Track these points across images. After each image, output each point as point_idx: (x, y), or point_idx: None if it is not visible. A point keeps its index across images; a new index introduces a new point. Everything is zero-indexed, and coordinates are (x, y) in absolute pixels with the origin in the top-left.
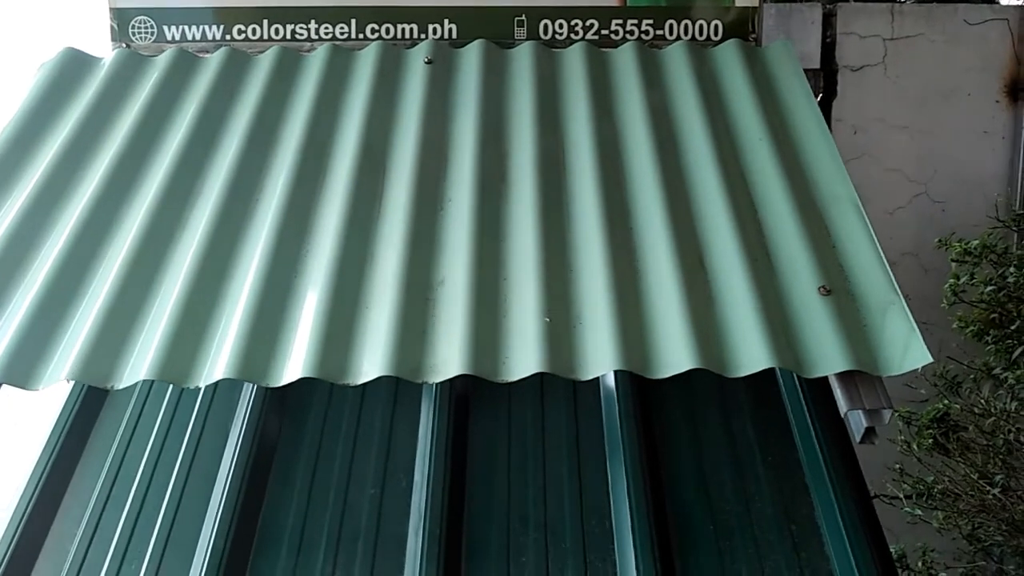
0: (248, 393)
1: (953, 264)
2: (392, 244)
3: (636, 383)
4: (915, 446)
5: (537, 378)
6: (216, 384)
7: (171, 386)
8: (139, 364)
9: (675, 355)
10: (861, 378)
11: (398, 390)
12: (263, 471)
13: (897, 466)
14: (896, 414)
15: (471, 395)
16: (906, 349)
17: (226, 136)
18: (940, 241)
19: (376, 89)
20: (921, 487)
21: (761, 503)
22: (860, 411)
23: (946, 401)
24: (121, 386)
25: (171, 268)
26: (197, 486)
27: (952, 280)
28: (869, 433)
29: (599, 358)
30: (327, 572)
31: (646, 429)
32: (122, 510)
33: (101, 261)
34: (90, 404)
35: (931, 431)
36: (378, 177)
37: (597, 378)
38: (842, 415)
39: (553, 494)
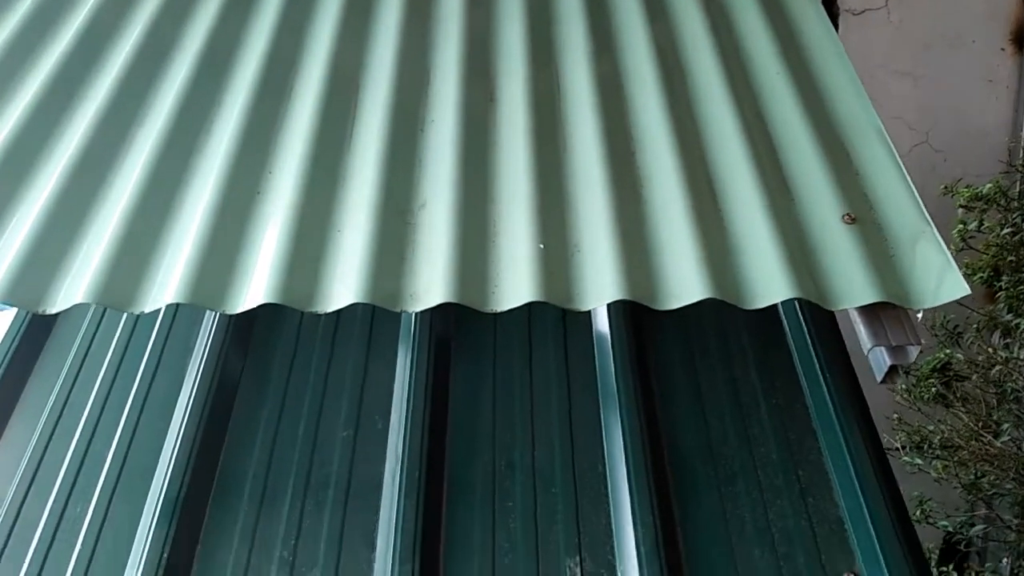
0: (208, 325)
1: (960, 211)
2: (367, 164)
3: (632, 323)
4: (915, 396)
5: (524, 318)
6: (174, 315)
7: (124, 317)
8: (75, 286)
9: (684, 284)
10: (886, 313)
11: (373, 328)
12: (223, 411)
13: (895, 416)
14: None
15: (452, 338)
16: (940, 280)
17: (180, 50)
18: (945, 188)
19: (347, 5)
20: (919, 437)
21: (766, 448)
22: (884, 348)
23: (947, 351)
24: (54, 310)
25: (115, 184)
26: (150, 426)
27: (960, 226)
28: (892, 373)
29: (600, 286)
30: (294, 520)
31: (642, 372)
32: (67, 450)
33: (36, 175)
34: (35, 332)
35: (932, 381)
36: (350, 96)
37: (589, 319)
38: (865, 352)
39: (542, 438)
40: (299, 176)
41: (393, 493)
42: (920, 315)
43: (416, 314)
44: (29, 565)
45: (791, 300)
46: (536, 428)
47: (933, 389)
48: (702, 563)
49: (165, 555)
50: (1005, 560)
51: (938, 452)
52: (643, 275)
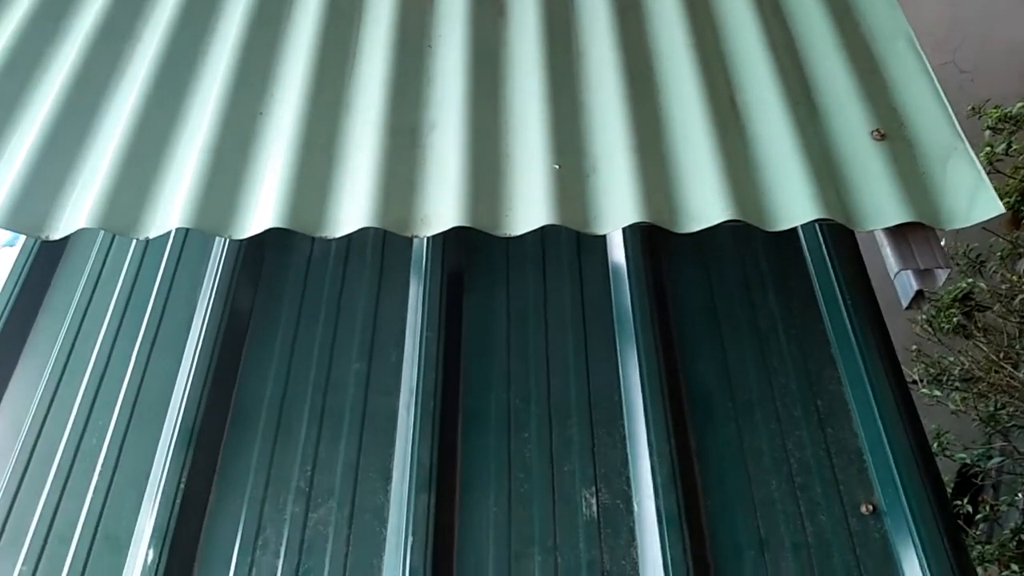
0: (217, 257)
1: (987, 133)
2: (373, 84)
3: (648, 251)
4: (935, 327)
5: (537, 249)
6: (182, 246)
7: (132, 247)
8: (78, 210)
9: (706, 206)
10: (915, 235)
11: (384, 261)
12: (236, 342)
13: (914, 348)
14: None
15: (464, 270)
16: (973, 198)
17: None
18: (972, 109)
19: None
20: (936, 370)
21: (784, 377)
22: (911, 272)
23: (969, 280)
24: (58, 235)
25: (113, 106)
26: (163, 358)
27: (987, 149)
28: (918, 298)
29: (617, 209)
30: (309, 451)
31: (659, 302)
32: (80, 382)
33: (32, 97)
34: (42, 266)
35: (953, 311)
36: (352, 11)
37: (604, 249)
38: (892, 276)
39: (557, 369)
40: (302, 97)
41: (408, 425)
42: (944, 243)
43: (427, 246)
44: (47, 497)
45: (813, 224)
46: (551, 359)
47: (955, 319)
48: (718, 493)
49: (182, 484)
50: (1021, 495)
51: (957, 384)
52: (662, 197)
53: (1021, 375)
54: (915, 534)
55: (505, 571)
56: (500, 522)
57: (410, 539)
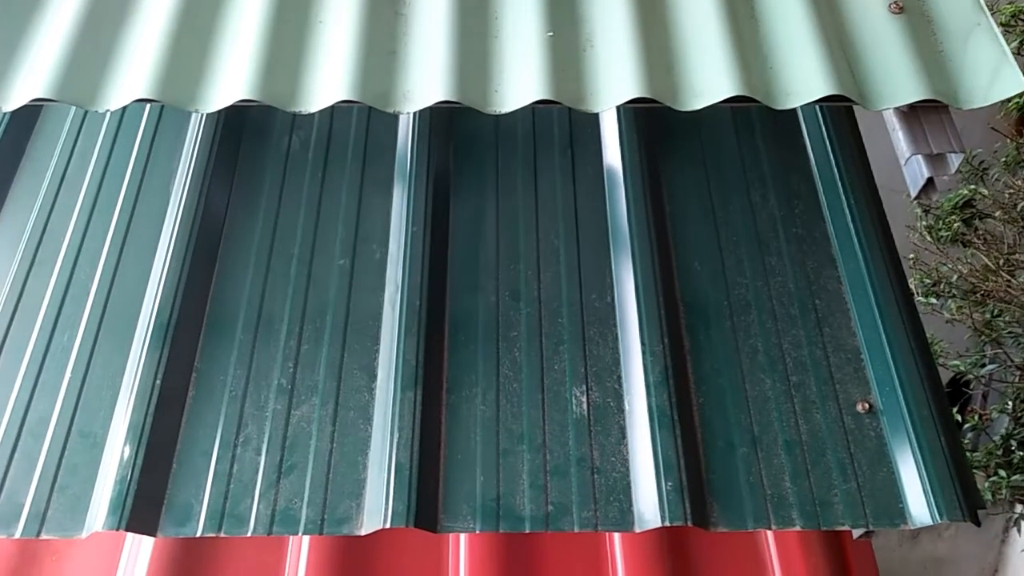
0: (192, 143)
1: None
2: None
3: (644, 146)
4: (934, 235)
5: (529, 147)
6: (154, 132)
7: (103, 131)
8: (32, 80)
9: (710, 80)
10: (928, 117)
11: (366, 157)
12: (212, 235)
13: (911, 257)
14: (914, 201)
15: (451, 170)
16: (995, 75)
17: None
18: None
19: None
20: (930, 280)
21: (782, 277)
22: (922, 157)
23: (971, 187)
24: (8, 107)
25: None
26: (135, 252)
27: None
28: (928, 187)
29: (615, 83)
30: (291, 348)
31: (654, 198)
32: (49, 277)
33: None
34: (5, 155)
35: (953, 218)
36: None
37: (599, 145)
38: (902, 162)
39: (548, 268)
40: None
41: (393, 322)
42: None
43: (412, 144)
44: (18, 393)
45: (817, 120)
46: (542, 258)
47: (955, 225)
48: (712, 391)
49: (158, 381)
50: (1011, 402)
51: (953, 291)
52: (663, 70)
53: (1019, 282)
54: (912, 435)
55: (493, 468)
56: (488, 419)
57: (396, 436)
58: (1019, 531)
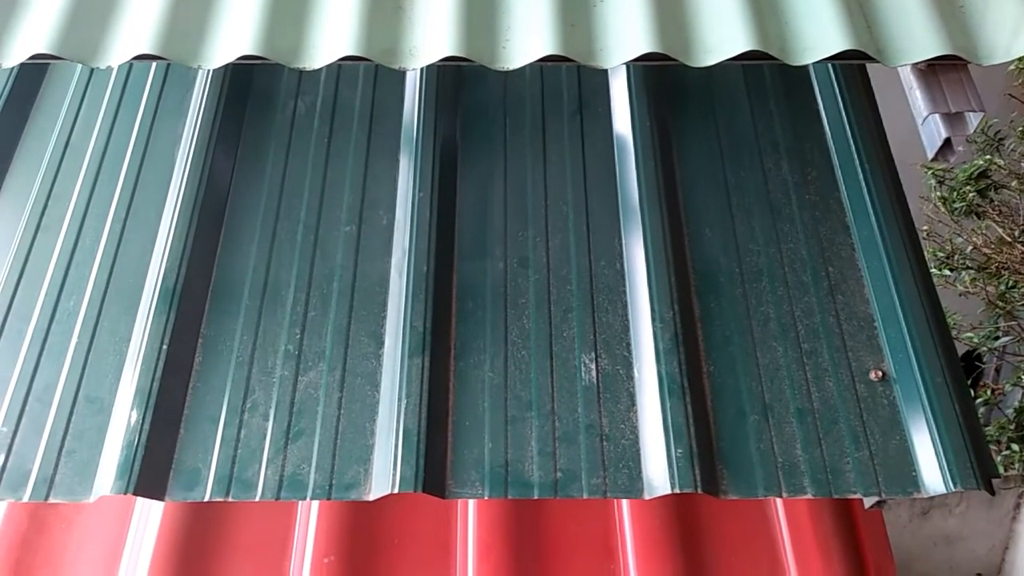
0: (197, 103)
1: None
2: None
3: (655, 115)
4: (948, 206)
5: (538, 112)
6: (159, 95)
7: (108, 93)
8: (31, 35)
9: (723, 35)
10: (947, 75)
11: (373, 115)
12: (218, 200)
13: (924, 229)
14: (929, 172)
15: (459, 137)
16: (1017, 30)
17: None
18: None
19: None
20: (943, 253)
21: (795, 243)
22: (940, 117)
23: (987, 157)
24: (8, 63)
25: None
26: (141, 218)
27: None
28: (945, 149)
29: (627, 37)
30: (299, 310)
31: (665, 168)
32: (56, 238)
33: None
34: (10, 115)
35: (968, 189)
36: None
37: (608, 111)
38: (919, 122)
39: (557, 234)
40: None
41: (401, 287)
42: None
43: (419, 108)
44: (25, 358)
45: (829, 78)
46: (550, 224)
47: (970, 196)
48: (722, 359)
49: (165, 346)
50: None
51: (967, 263)
52: (675, 25)
53: None
54: (926, 402)
55: (501, 434)
56: (496, 386)
57: (403, 402)
58: None
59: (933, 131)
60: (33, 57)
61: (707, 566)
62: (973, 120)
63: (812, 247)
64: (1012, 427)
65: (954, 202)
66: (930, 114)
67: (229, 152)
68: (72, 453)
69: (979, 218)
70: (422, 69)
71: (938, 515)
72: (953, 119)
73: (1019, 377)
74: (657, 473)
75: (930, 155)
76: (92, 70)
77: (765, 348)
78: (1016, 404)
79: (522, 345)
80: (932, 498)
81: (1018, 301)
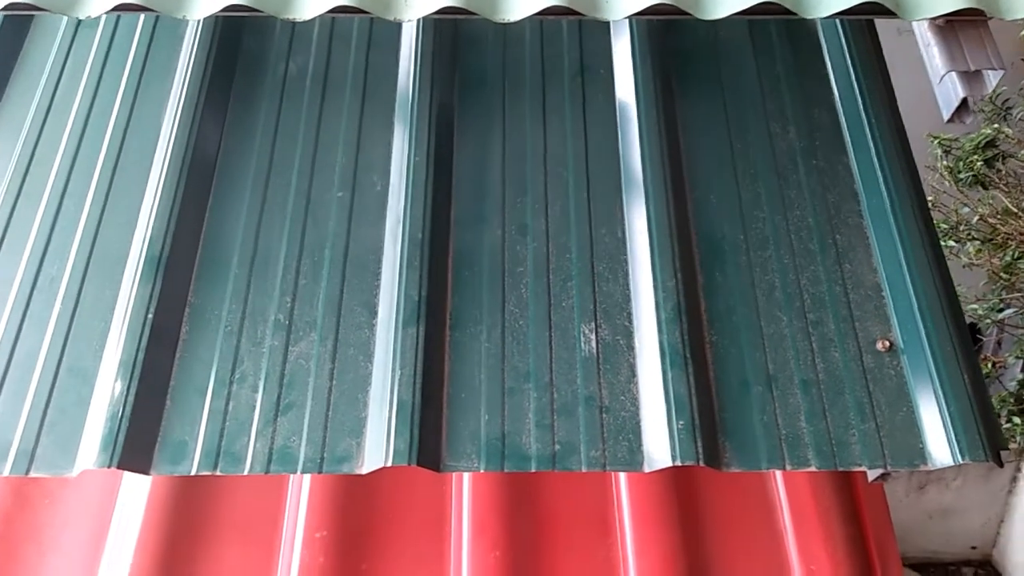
0: (185, 63)
1: None
2: None
3: (659, 80)
4: (954, 176)
5: (537, 65)
6: (147, 50)
7: (94, 46)
8: None
9: None
10: (965, 32)
11: (367, 77)
12: (206, 163)
13: (930, 199)
14: (935, 141)
15: (456, 103)
16: None
17: None
18: None
19: None
20: (947, 226)
21: (801, 211)
22: (957, 76)
23: (995, 126)
24: None
25: None
26: (126, 182)
27: None
28: (961, 110)
29: None
30: (289, 278)
31: (669, 134)
32: (38, 202)
33: None
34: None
35: (975, 158)
36: None
37: (611, 79)
38: (936, 81)
39: (556, 201)
40: None
41: (395, 255)
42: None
43: (415, 70)
44: (6, 327)
45: (838, 40)
46: (550, 190)
47: (977, 166)
48: (726, 329)
49: (150, 315)
50: None
51: (973, 234)
52: None
53: None
54: (934, 373)
55: (498, 406)
56: (493, 357)
57: (397, 373)
58: None
59: (950, 91)
60: (9, 7)
61: (705, 541)
62: (992, 79)
63: (819, 214)
64: (1012, 400)
65: (960, 172)
66: (947, 72)
67: (218, 115)
68: (54, 425)
69: (985, 188)
70: (418, 27)
71: (935, 489)
72: (971, 77)
73: (1021, 350)
74: (658, 445)
75: (946, 116)
76: (76, 28)
77: (770, 318)
78: (1018, 377)
79: (520, 315)
80: (930, 472)
81: (1023, 272)
